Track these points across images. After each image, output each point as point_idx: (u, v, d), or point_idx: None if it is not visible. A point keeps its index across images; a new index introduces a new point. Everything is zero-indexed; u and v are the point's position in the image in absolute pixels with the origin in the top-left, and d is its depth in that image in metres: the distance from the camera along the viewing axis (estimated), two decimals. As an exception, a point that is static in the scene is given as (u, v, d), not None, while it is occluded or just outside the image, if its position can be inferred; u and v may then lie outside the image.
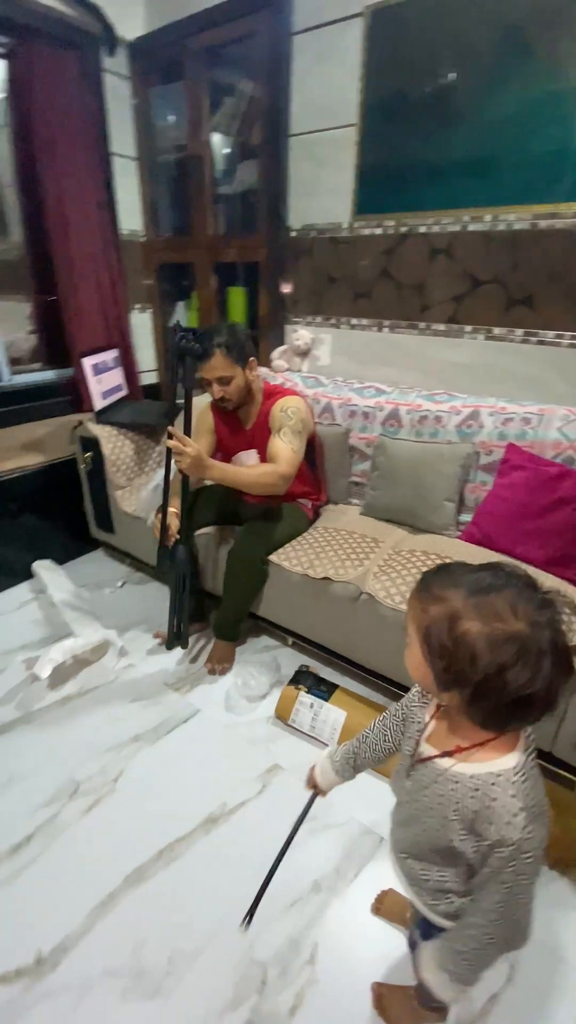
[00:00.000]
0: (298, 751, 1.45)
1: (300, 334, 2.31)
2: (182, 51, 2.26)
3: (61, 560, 2.29)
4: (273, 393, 1.73)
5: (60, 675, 1.61)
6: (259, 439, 1.71)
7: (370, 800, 1.26)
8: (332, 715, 1.44)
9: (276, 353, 2.41)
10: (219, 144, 2.35)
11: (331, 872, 1.18)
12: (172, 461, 1.44)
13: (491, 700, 0.54)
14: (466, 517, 1.80)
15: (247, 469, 1.55)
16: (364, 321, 2.15)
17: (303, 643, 1.75)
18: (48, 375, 2.67)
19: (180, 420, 1.48)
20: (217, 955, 1.04)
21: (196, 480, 1.59)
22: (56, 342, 2.71)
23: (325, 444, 1.98)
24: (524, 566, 1.50)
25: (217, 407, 1.74)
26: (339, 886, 1.15)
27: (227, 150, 2.39)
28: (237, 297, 2.65)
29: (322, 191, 2.10)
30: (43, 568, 2.14)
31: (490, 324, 1.86)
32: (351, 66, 1.87)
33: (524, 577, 0.56)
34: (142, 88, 2.48)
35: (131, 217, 2.66)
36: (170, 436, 1.36)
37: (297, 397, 1.70)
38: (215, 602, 1.87)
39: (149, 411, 2.32)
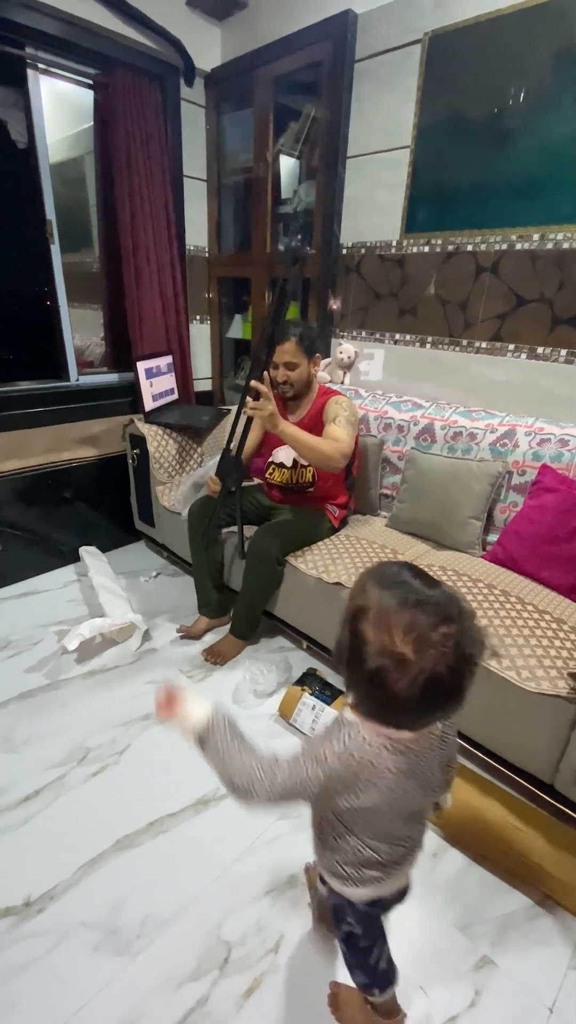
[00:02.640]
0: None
1: (345, 348, 2.37)
2: (252, 79, 2.40)
3: (105, 548, 2.45)
4: (327, 392, 1.84)
5: (87, 651, 1.74)
6: (309, 431, 1.77)
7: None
8: (331, 718, 1.46)
9: (321, 366, 2.47)
10: (281, 166, 2.47)
11: (310, 869, 1.20)
12: (245, 414, 1.57)
13: (361, 693, 0.61)
14: (492, 537, 1.77)
15: (313, 437, 1.61)
16: (408, 337, 2.17)
17: (316, 648, 1.78)
18: (111, 377, 2.89)
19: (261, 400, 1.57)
20: (188, 927, 1.09)
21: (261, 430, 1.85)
22: (122, 348, 2.93)
23: (359, 453, 2.01)
24: (536, 588, 1.42)
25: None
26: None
27: (289, 171, 2.50)
28: (290, 312, 2.75)
29: (374, 210, 2.15)
30: (88, 553, 2.31)
31: (534, 343, 1.83)
32: (407, 90, 1.93)
33: (444, 607, 0.56)
34: (214, 115, 2.66)
35: (198, 234, 2.84)
36: (255, 396, 1.50)
37: (346, 398, 1.80)
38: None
39: (196, 415, 2.45)
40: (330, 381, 2.43)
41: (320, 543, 1.76)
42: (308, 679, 1.59)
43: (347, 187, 2.22)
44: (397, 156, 2.02)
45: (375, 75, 2.01)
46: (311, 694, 1.54)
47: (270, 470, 1.90)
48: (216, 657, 1.77)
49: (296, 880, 1.18)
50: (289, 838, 1.27)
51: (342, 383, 2.41)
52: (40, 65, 2.20)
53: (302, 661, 1.81)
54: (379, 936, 0.86)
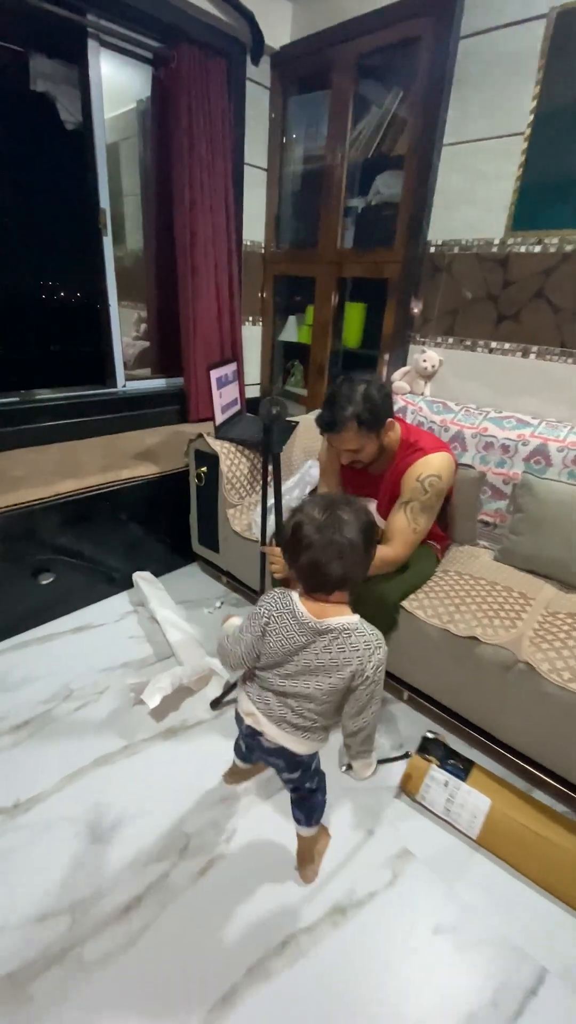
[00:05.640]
0: (431, 837, 1.26)
1: (428, 356, 2.15)
2: (328, 59, 2.18)
3: (159, 572, 2.22)
4: (413, 446, 1.42)
5: (163, 704, 1.51)
6: (385, 491, 1.50)
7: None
8: (472, 800, 1.25)
9: (398, 374, 2.26)
10: (356, 155, 2.24)
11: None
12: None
13: (295, 566, 0.91)
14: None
15: None
16: (507, 345, 1.96)
17: (420, 699, 1.56)
18: (158, 383, 2.66)
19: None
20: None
21: None
22: (166, 350, 2.70)
23: (455, 488, 1.79)
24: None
25: None
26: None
27: (363, 161, 2.27)
28: (355, 314, 2.53)
29: (472, 204, 1.94)
30: (143, 580, 2.08)
31: None
32: (525, 72, 1.71)
33: (336, 508, 0.88)
34: (280, 97, 2.43)
35: (254, 228, 2.61)
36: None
37: (441, 459, 1.38)
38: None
39: (258, 427, 2.23)
40: (409, 391, 2.21)
41: (430, 582, 1.55)
42: (431, 746, 1.37)
43: (440, 178, 2.00)
44: (506, 144, 1.81)
45: (484, 54, 1.79)
46: (439, 766, 1.32)
47: None
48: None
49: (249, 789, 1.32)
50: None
51: (423, 394, 2.20)
52: (101, 36, 1.96)
53: (407, 716, 1.60)
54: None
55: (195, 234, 2.28)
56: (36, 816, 1.24)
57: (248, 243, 2.60)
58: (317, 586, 0.90)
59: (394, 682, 1.60)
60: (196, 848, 1.20)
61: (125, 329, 3.32)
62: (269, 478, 1.31)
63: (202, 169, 2.22)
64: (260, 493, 1.76)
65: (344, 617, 0.90)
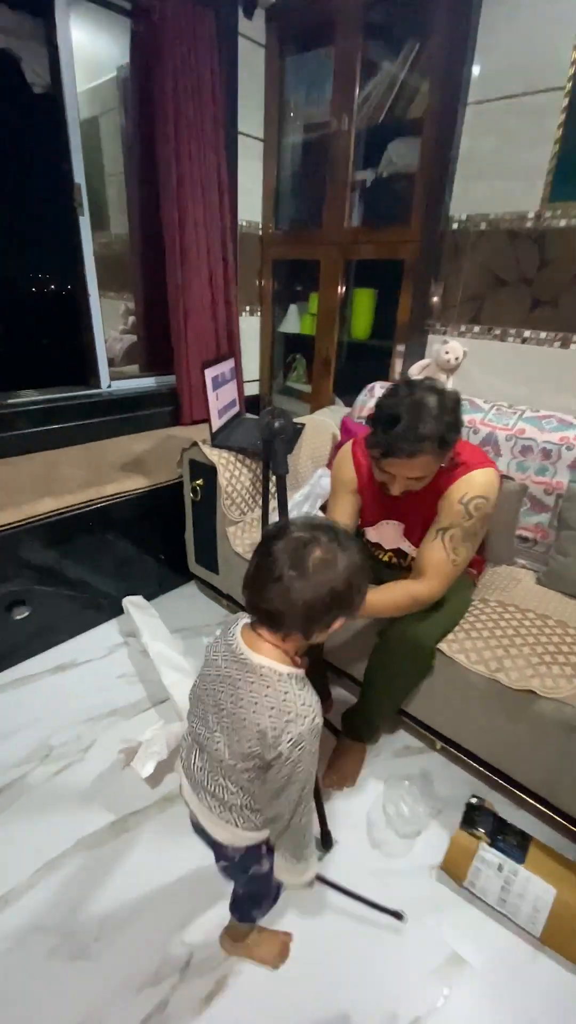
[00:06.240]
0: (485, 935, 1.04)
1: (451, 347, 1.90)
2: (331, 11, 1.91)
3: (152, 594, 1.99)
4: (453, 459, 1.12)
5: (159, 768, 1.28)
6: (413, 511, 1.22)
7: None
8: (533, 889, 1.03)
9: (416, 368, 2.01)
10: (365, 121, 1.98)
11: None
12: None
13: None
14: None
15: (379, 594, 1.12)
16: (543, 334, 1.72)
17: (454, 749, 1.34)
18: (147, 382, 2.41)
19: None
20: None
21: None
22: (156, 345, 2.44)
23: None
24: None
25: (365, 460, 1.25)
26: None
27: (373, 128, 2.01)
28: (363, 300, 2.28)
29: (503, 172, 1.69)
30: (134, 606, 1.85)
31: None
32: (566, 15, 1.46)
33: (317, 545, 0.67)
34: (277, 57, 2.16)
35: (251, 207, 2.35)
36: None
37: (488, 476, 1.12)
38: (342, 678, 1.51)
39: (257, 432, 1.99)
40: (429, 389, 1.97)
41: (469, 616, 1.32)
42: (478, 817, 1.15)
43: (464, 143, 1.75)
44: (542, 101, 1.56)
45: (517, -7, 1.53)
46: (490, 844, 1.10)
47: (371, 545, 1.38)
48: (342, 780, 1.32)
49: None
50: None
51: (444, 391, 1.95)
52: (70, -21, 1.69)
53: (442, 769, 1.38)
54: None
55: (184, 213, 2.02)
56: (2, 926, 1.01)
57: (244, 223, 2.34)
58: (248, 604, 0.72)
59: (425, 731, 1.38)
60: (200, 965, 0.97)
61: (112, 322, 3.05)
62: (272, 497, 1.08)
63: (190, 139, 1.95)
64: (277, 503, 1.53)
65: (273, 662, 0.69)
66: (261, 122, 2.24)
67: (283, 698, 0.67)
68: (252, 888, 0.88)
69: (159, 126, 1.90)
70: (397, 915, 1.06)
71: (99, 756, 1.36)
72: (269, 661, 0.69)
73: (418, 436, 0.98)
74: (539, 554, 1.58)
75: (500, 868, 1.07)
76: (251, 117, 2.20)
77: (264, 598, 0.67)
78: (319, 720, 0.69)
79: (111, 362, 2.52)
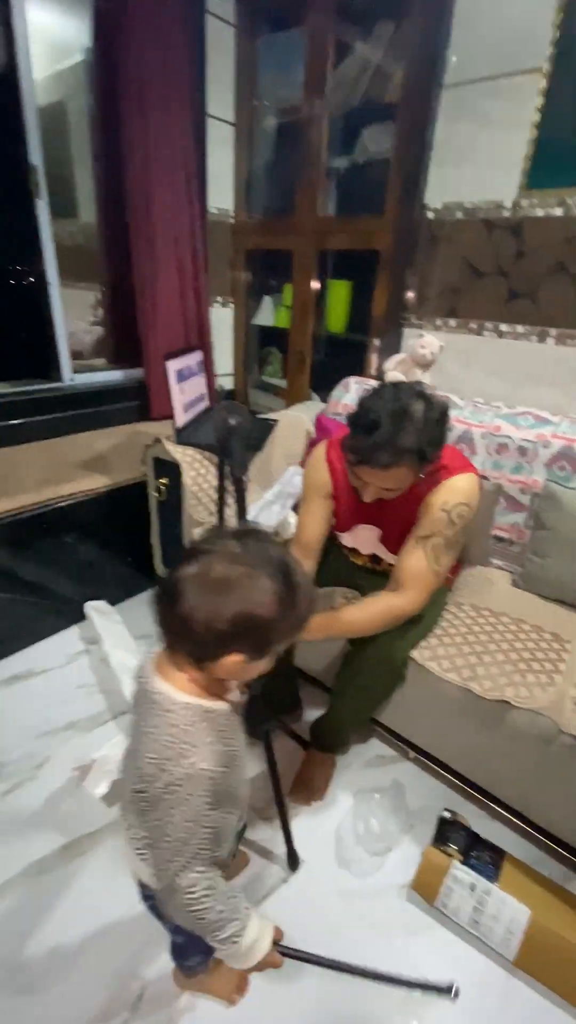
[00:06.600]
0: (458, 959, 0.99)
1: (427, 341, 1.84)
2: (304, -13, 1.83)
3: (116, 598, 1.91)
4: (435, 465, 1.05)
5: (114, 787, 1.21)
6: (391, 516, 1.16)
7: None
8: (507, 911, 0.98)
9: (391, 363, 1.95)
10: (339, 105, 1.91)
11: None
12: None
13: None
14: None
15: (357, 611, 1.07)
16: (520, 328, 1.67)
17: (430, 762, 1.29)
18: (114, 375, 2.30)
19: None
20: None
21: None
22: (124, 337, 2.34)
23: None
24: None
25: (340, 464, 1.18)
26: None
27: (347, 112, 1.94)
28: (339, 292, 2.21)
29: (478, 159, 1.63)
30: (96, 611, 1.76)
31: None
32: (544, -10, 1.40)
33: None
34: (248, 37, 2.07)
35: (221, 194, 2.26)
36: None
37: (469, 482, 1.08)
38: (311, 686, 1.45)
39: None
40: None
41: (443, 621, 1.26)
42: (450, 833, 1.10)
43: (439, 128, 1.69)
44: (520, 83, 1.50)
45: (494, -33, 1.47)
46: (463, 862, 1.05)
47: (347, 550, 1.33)
48: (310, 795, 1.25)
49: None
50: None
51: (420, 387, 1.90)
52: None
53: (415, 779, 1.33)
54: None
55: (150, 199, 1.92)
56: None
57: (215, 211, 2.25)
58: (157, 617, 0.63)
59: (398, 740, 1.33)
60: (153, 1000, 0.90)
61: (80, 313, 2.93)
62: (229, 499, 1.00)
63: (156, 120, 1.86)
64: (235, 507, 1.46)
65: (173, 688, 0.61)
66: (232, 105, 2.15)
67: (169, 731, 0.59)
68: (177, 937, 0.80)
69: (124, 106, 1.81)
70: (448, 990, 0.82)
71: (52, 774, 1.28)
72: (168, 687, 0.61)
73: (396, 449, 0.92)
74: (515, 555, 1.54)
75: (473, 888, 1.02)
76: (221, 99, 2.12)
77: (157, 612, 0.61)
78: (204, 767, 0.57)
79: (79, 355, 2.41)
